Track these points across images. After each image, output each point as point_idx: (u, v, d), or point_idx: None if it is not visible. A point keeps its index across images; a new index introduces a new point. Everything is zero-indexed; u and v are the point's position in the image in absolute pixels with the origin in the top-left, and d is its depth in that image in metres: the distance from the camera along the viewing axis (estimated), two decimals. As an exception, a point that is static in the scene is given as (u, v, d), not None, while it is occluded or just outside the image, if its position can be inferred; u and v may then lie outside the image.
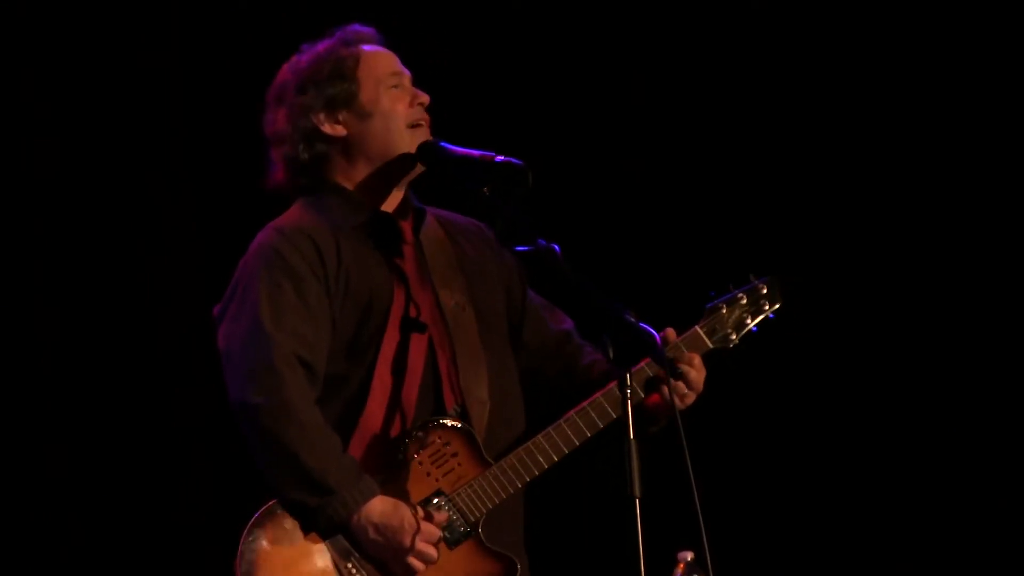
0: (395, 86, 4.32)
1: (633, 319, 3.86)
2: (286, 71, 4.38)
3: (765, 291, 4.49)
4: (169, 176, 5.81)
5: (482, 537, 4.21)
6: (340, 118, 4.31)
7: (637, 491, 3.70)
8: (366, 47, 4.36)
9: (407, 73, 4.37)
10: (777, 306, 4.50)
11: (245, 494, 4.17)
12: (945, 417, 6.23)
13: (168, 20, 5.76)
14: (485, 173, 4.13)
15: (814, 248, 6.22)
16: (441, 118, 4.37)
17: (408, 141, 4.30)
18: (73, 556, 5.65)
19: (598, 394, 4.31)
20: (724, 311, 4.45)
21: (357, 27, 4.40)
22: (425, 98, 4.34)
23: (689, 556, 4.05)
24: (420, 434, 4.21)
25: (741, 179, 6.27)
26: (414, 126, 4.31)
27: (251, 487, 4.15)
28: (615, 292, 3.88)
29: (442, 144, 4.27)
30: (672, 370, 4.06)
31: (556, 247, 3.98)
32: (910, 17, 6.18)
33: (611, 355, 3.83)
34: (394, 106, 4.31)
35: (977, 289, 6.23)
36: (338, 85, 4.30)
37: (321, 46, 4.36)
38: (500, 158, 4.14)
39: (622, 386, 3.78)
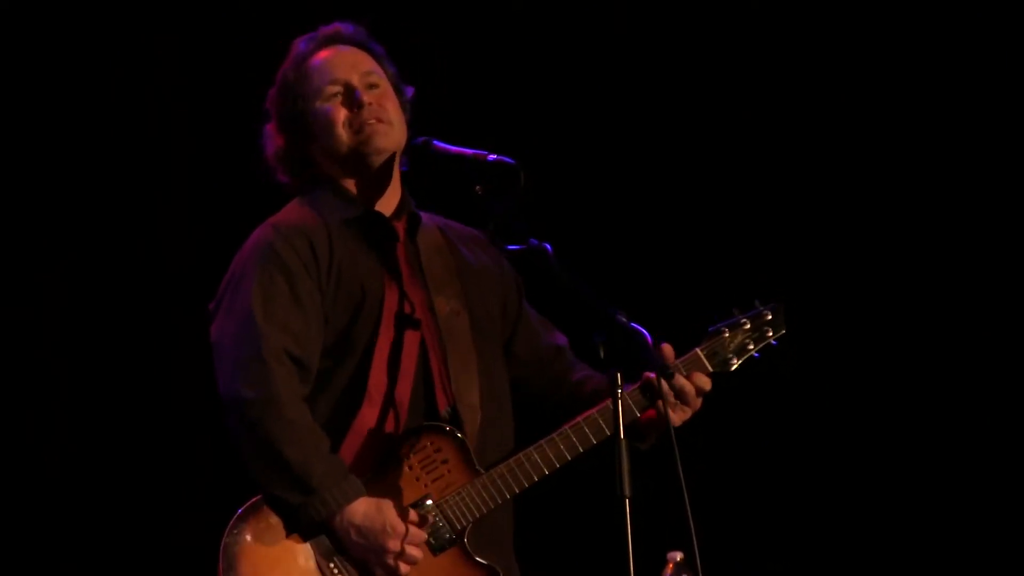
0: (335, 95, 4.30)
1: (625, 319, 3.85)
2: (275, 84, 4.40)
3: (770, 317, 4.45)
4: (165, 173, 5.86)
5: (467, 546, 4.17)
6: (300, 139, 4.33)
7: (627, 491, 3.70)
8: (314, 58, 4.34)
9: (357, 72, 4.31)
10: (781, 333, 4.46)
11: (234, 489, 4.16)
12: (938, 422, 6.23)
13: (167, 21, 5.81)
14: (477, 172, 4.11)
15: (809, 255, 6.26)
16: (435, 116, 4.37)
17: (358, 147, 4.28)
18: (70, 552, 5.69)
19: (593, 410, 4.27)
20: (726, 335, 4.41)
21: (321, 30, 4.39)
22: (364, 98, 4.27)
23: (678, 556, 4.08)
24: (412, 438, 4.17)
25: (746, 189, 6.30)
26: (359, 131, 4.28)
27: (240, 482, 4.12)
28: (615, 302, 3.87)
29: (435, 142, 4.25)
30: (663, 372, 4.04)
31: (548, 246, 3.98)
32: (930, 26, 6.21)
33: (603, 355, 3.81)
34: (333, 117, 4.28)
35: (971, 299, 6.25)
36: (290, 112, 4.33)
37: (292, 55, 4.37)
38: (493, 157, 4.11)
39: (613, 385, 3.77)
